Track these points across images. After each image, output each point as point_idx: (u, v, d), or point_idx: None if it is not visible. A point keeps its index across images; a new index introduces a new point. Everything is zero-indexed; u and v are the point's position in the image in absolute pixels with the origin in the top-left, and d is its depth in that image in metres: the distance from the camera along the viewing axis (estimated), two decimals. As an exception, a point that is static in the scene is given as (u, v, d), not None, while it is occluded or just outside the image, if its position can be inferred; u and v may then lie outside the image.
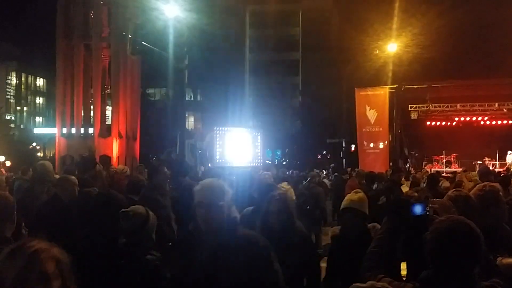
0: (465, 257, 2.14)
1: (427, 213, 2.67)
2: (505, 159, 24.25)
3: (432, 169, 22.48)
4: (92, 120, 16.31)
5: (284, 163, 44.08)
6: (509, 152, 24.26)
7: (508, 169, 20.88)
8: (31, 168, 9.99)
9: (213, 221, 2.89)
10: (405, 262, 3.80)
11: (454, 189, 3.62)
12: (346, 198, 4.13)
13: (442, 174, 16.30)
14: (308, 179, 12.26)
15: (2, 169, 20.18)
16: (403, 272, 3.75)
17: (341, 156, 33.27)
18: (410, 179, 12.31)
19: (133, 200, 5.75)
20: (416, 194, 6.35)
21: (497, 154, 24.90)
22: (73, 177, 5.42)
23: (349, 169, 19.93)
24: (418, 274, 2.30)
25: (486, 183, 3.85)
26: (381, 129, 22.32)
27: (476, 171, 12.44)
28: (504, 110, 25.18)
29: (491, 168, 19.22)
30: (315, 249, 4.31)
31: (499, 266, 2.59)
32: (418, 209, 2.68)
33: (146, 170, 9.59)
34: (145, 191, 5.79)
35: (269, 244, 2.93)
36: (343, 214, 4.13)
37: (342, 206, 4.08)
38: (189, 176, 8.83)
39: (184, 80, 42.03)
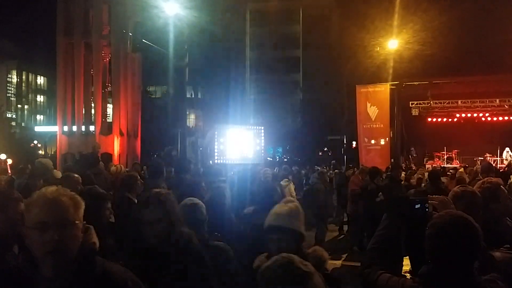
0: (463, 252, 2.15)
1: (427, 209, 2.68)
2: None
3: (434, 165, 22.50)
4: (93, 117, 16.35)
5: (286, 160, 44.09)
6: (506, 149, 24.20)
7: (509, 165, 20.85)
8: (30, 165, 10.02)
9: (63, 254, 1.88)
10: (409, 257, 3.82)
11: (460, 185, 3.61)
12: (272, 211, 2.96)
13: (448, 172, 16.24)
14: (315, 175, 12.19)
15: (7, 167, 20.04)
16: (406, 267, 3.76)
17: (342, 152, 33.28)
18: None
19: (131, 198, 5.77)
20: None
21: (498, 150, 24.89)
22: (77, 175, 5.42)
23: (350, 166, 19.94)
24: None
25: (486, 179, 3.83)
26: (382, 125, 22.30)
27: (477, 167, 12.45)
28: (506, 106, 25.17)
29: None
30: (209, 273, 2.98)
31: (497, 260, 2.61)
32: (417, 205, 2.69)
33: (145, 167, 9.61)
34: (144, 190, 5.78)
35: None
36: (267, 235, 2.89)
37: (265, 223, 2.93)
38: (191, 174, 8.87)
39: (184, 78, 42.02)
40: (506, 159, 23.42)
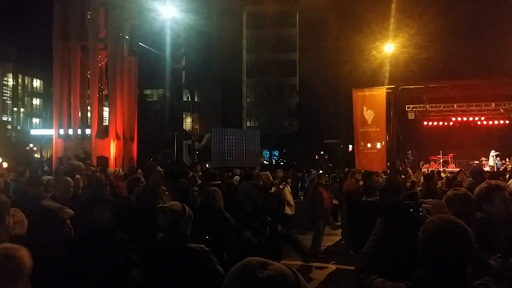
0: (456, 256, 2.16)
1: (421, 213, 2.69)
2: (501, 159, 24.21)
3: (430, 169, 22.54)
4: (89, 121, 16.32)
5: (282, 163, 44.10)
6: (492, 153, 24.07)
7: (506, 169, 20.86)
8: (28, 170, 10.01)
9: None
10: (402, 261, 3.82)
11: (453, 188, 3.62)
12: None
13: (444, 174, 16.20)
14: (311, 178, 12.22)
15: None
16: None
17: (338, 156, 33.31)
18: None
19: (131, 201, 5.77)
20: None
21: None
22: (68, 178, 5.43)
23: (346, 169, 19.91)
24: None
25: (492, 180, 3.82)
26: (378, 129, 22.33)
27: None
28: (501, 110, 25.26)
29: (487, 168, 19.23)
30: None
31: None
32: (411, 209, 2.70)
33: (140, 170, 9.63)
34: (140, 195, 5.75)
35: None
36: None
37: None
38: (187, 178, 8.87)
39: (181, 81, 41.86)
40: (491, 165, 23.23)
